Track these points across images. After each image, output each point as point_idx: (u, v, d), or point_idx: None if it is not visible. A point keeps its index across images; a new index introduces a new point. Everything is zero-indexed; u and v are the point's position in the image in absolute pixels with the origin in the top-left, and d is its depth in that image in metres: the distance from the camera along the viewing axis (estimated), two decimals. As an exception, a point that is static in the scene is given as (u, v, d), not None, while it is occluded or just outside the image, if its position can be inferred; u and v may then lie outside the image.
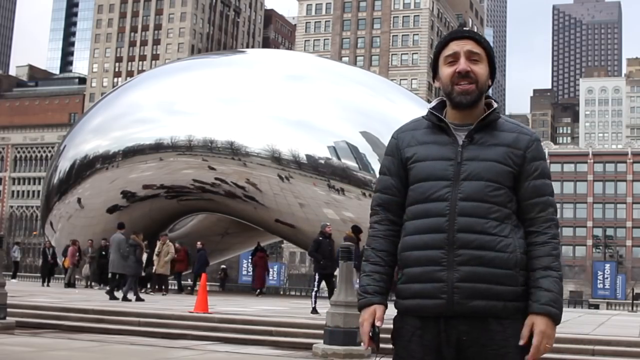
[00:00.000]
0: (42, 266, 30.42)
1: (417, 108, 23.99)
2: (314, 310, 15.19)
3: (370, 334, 2.60)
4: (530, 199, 2.63)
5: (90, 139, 26.73)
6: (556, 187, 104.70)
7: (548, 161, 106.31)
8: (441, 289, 2.52)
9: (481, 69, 2.65)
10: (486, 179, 2.57)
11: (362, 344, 2.72)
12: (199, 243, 25.22)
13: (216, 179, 24.53)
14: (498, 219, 2.55)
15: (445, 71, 2.67)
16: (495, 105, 2.69)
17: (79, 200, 26.63)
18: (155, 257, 22.86)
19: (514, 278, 2.54)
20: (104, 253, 25.37)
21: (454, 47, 2.67)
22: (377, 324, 2.60)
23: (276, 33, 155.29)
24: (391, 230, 2.70)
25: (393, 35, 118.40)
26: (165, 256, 22.80)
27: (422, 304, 2.56)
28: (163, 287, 23.64)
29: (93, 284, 26.69)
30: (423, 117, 2.76)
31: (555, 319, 2.53)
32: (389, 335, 2.68)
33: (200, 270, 24.38)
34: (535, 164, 2.65)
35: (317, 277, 16.04)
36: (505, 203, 2.59)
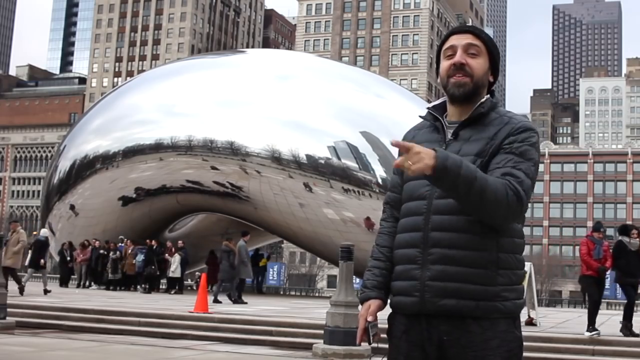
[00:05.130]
0: (60, 267, 28.09)
1: (415, 107, 23.98)
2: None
3: (370, 328, 2.61)
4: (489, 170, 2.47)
5: (91, 139, 26.77)
6: (556, 187, 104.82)
7: (548, 161, 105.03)
8: (415, 287, 2.52)
9: (478, 63, 2.61)
10: None
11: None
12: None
13: (216, 180, 24.53)
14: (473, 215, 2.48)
15: (443, 64, 2.66)
16: (484, 98, 2.62)
17: (72, 207, 26.51)
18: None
19: (489, 277, 2.47)
20: (106, 253, 25.35)
21: (453, 40, 2.66)
22: (369, 319, 2.60)
23: (276, 33, 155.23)
24: (395, 227, 2.70)
25: (393, 35, 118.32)
26: (13, 246, 17.87)
27: (401, 302, 2.57)
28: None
29: (89, 283, 26.61)
30: (420, 116, 2.76)
31: (439, 162, 2.28)
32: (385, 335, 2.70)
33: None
34: (509, 141, 2.51)
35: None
36: None
